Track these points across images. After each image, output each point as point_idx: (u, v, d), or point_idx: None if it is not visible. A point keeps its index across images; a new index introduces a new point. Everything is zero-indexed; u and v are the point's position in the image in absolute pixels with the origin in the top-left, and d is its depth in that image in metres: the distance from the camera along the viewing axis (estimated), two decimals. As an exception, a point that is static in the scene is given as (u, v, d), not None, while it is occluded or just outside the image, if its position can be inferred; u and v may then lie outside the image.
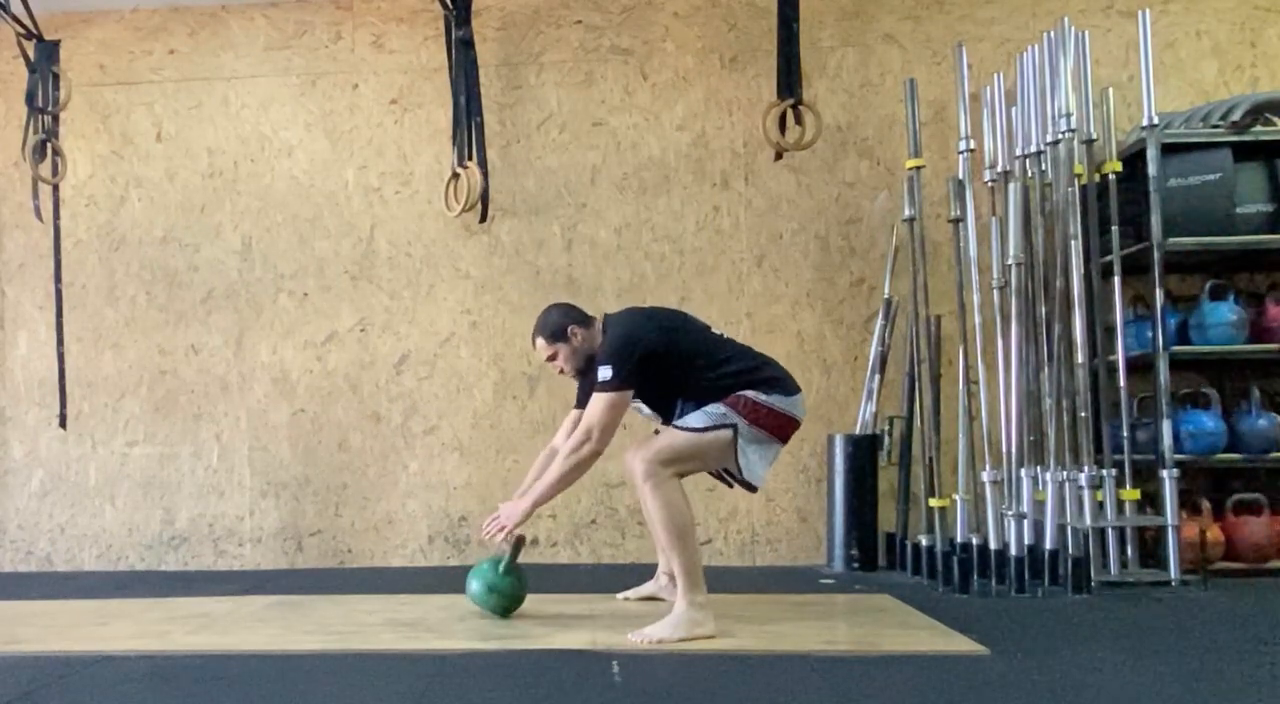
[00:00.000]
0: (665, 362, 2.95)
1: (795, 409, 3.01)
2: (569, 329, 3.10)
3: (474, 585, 3.18)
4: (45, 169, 4.43)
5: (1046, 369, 3.76)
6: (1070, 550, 3.54)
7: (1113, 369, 3.85)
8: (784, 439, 3.02)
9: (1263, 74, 4.42)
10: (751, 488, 3.01)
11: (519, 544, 3.17)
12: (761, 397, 2.95)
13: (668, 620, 2.82)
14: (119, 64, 4.78)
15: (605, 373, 2.89)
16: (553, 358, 3.14)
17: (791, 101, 4.29)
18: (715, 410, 2.93)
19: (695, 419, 2.93)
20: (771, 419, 2.95)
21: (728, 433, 2.91)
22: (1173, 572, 3.62)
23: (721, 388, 2.95)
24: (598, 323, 3.14)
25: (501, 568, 3.16)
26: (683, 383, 2.99)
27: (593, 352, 3.08)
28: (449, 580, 4.06)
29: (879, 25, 4.56)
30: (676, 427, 2.96)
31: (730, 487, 3.10)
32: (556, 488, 2.99)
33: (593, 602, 3.44)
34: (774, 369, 3.06)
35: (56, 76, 4.44)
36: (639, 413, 3.19)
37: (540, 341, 3.15)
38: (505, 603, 3.16)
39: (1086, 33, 3.86)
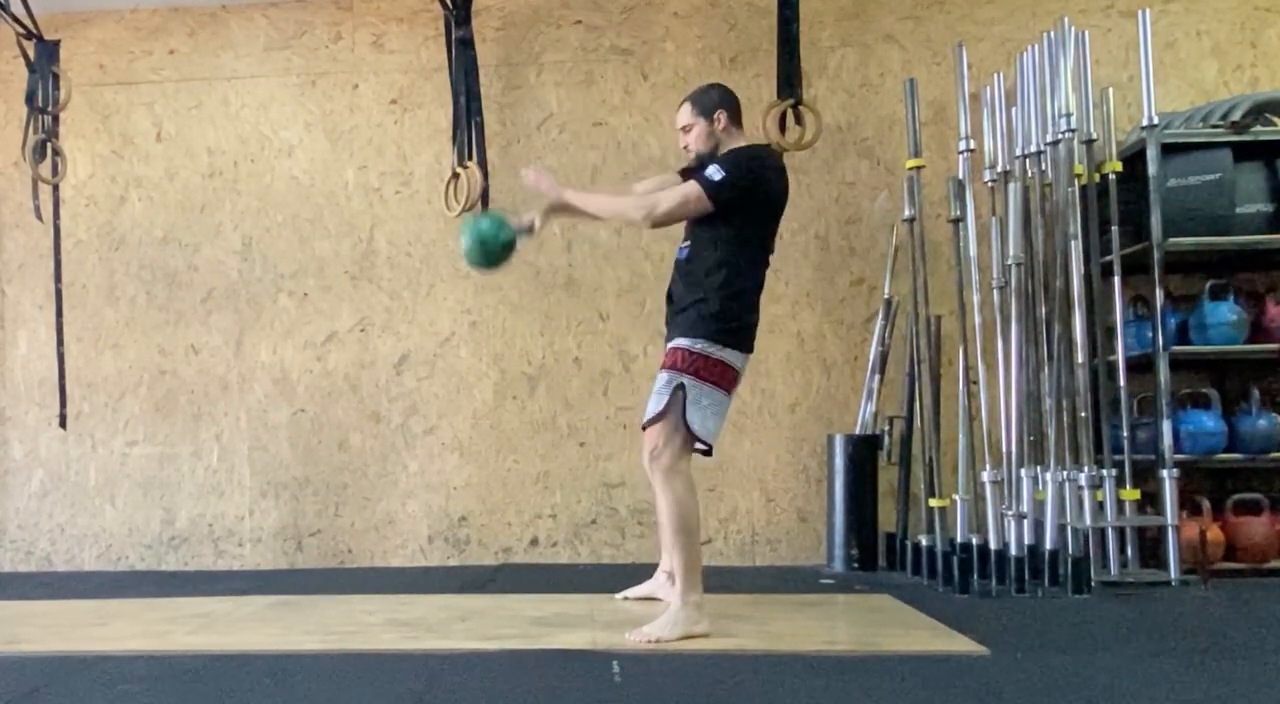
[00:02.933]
0: (747, 215, 2.92)
1: (740, 363, 2.99)
2: (719, 113, 3.04)
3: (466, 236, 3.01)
4: (45, 169, 4.43)
5: (1046, 369, 3.76)
6: (1070, 550, 3.53)
7: (1113, 369, 3.85)
8: (729, 391, 2.97)
9: (1263, 74, 4.42)
10: (708, 448, 2.95)
11: (529, 227, 3.08)
12: (714, 349, 2.92)
13: (664, 619, 2.83)
14: (119, 64, 4.78)
15: (716, 173, 2.86)
16: (687, 130, 3.08)
17: (791, 101, 4.29)
18: (661, 382, 2.93)
19: (653, 404, 2.94)
20: (713, 369, 2.92)
21: (679, 394, 2.90)
22: (1173, 572, 3.62)
23: (711, 313, 2.90)
24: (743, 136, 3.08)
25: (496, 225, 3.00)
26: (711, 261, 2.92)
27: (715, 151, 3.03)
28: (449, 580, 4.07)
29: (879, 25, 4.56)
30: (647, 422, 2.95)
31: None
32: (600, 207, 2.95)
33: (593, 602, 3.44)
34: (753, 321, 3.03)
35: (56, 76, 4.44)
36: None
37: (687, 107, 3.08)
38: (485, 249, 2.98)
39: (1086, 33, 3.86)
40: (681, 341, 2.95)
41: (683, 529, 2.89)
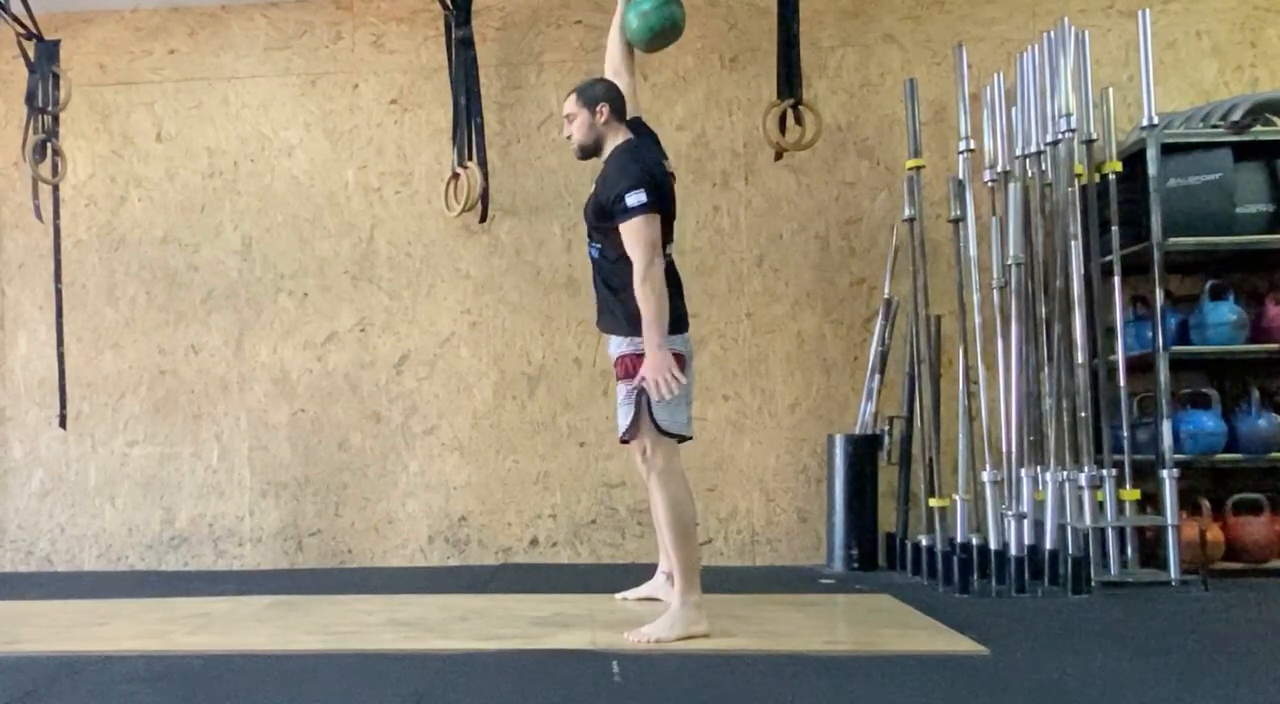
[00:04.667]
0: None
1: (683, 346, 2.99)
2: (601, 107, 3.06)
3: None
4: (45, 169, 4.43)
5: (1046, 369, 3.76)
6: (1070, 550, 3.53)
7: (1113, 369, 3.85)
8: (682, 372, 2.93)
9: (1263, 74, 4.41)
10: (685, 437, 2.98)
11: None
12: (634, 346, 2.95)
13: (663, 620, 2.83)
14: (119, 64, 4.78)
15: (632, 198, 2.87)
16: (570, 119, 3.11)
17: (791, 101, 4.30)
18: (621, 396, 2.97)
19: (622, 417, 2.97)
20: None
21: (643, 399, 2.90)
22: (1173, 572, 3.62)
23: (634, 310, 2.90)
24: (625, 131, 3.09)
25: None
26: (617, 259, 2.96)
27: (597, 144, 3.07)
28: (449, 580, 4.07)
29: (879, 25, 4.56)
30: (624, 438, 2.98)
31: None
32: (658, 317, 2.89)
33: (593, 602, 3.44)
34: (676, 304, 3.00)
35: (56, 76, 4.44)
36: None
37: (572, 98, 3.10)
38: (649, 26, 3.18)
39: (1086, 33, 3.85)
40: (624, 347, 3.00)
41: (680, 529, 2.89)
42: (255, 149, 4.73)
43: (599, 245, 3.07)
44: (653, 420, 2.90)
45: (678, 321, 2.98)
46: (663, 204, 2.94)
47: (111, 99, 4.77)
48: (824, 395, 4.47)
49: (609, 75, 3.25)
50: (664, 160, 3.12)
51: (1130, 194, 3.95)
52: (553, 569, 4.38)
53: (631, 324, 2.95)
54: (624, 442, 3.04)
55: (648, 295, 2.86)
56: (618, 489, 4.49)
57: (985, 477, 3.79)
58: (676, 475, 2.93)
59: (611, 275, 3.03)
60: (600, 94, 3.08)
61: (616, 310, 3.02)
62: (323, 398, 4.63)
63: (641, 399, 2.91)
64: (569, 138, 3.15)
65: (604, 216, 2.97)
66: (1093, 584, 3.51)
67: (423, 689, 2.35)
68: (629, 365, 2.97)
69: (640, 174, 2.91)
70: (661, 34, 3.23)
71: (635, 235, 2.88)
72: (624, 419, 2.97)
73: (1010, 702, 2.20)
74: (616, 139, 3.07)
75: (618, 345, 3.05)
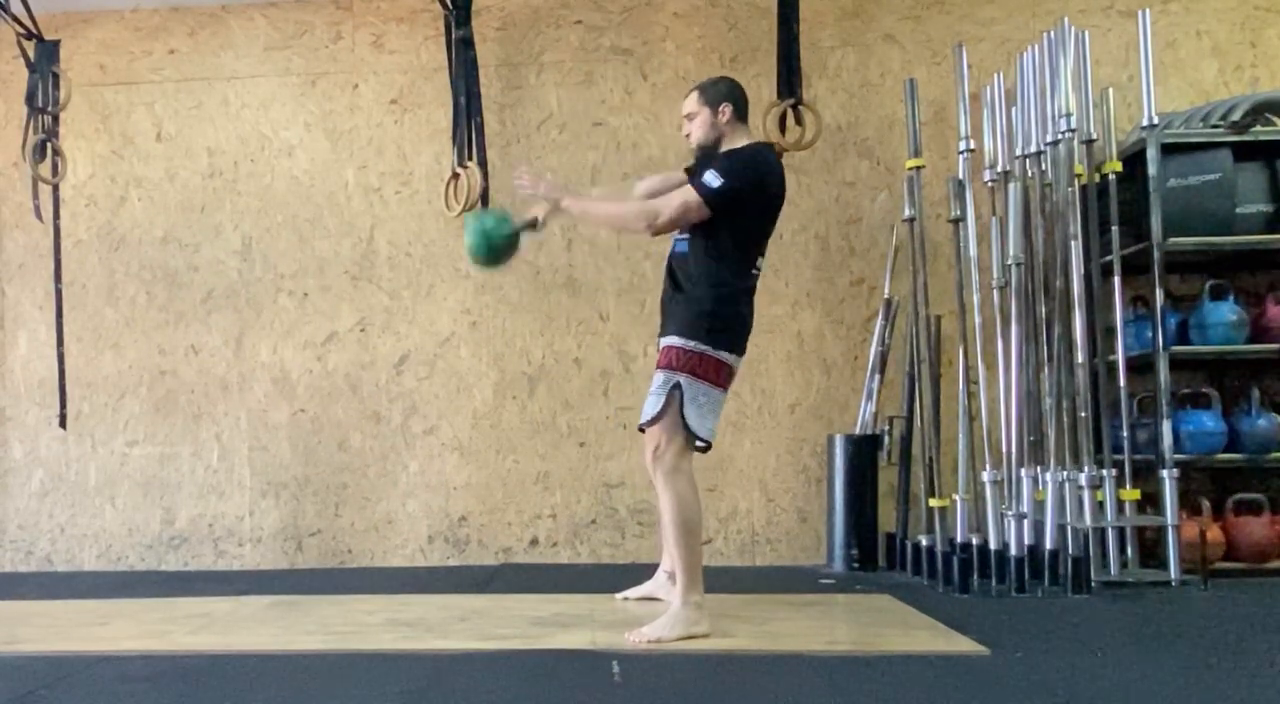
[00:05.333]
0: (744, 218, 2.92)
1: (734, 362, 3.00)
2: (724, 106, 3.01)
3: (472, 232, 3.06)
4: (45, 169, 4.43)
5: (1046, 369, 3.76)
6: (1070, 550, 3.53)
7: (1113, 369, 3.85)
8: (725, 387, 2.99)
9: (1263, 74, 4.42)
10: (707, 446, 2.98)
11: (533, 223, 3.13)
12: (708, 348, 2.92)
13: (664, 619, 2.83)
14: (119, 64, 4.78)
15: (714, 180, 2.85)
16: (691, 117, 3.06)
17: (791, 101, 4.30)
18: (658, 382, 2.93)
19: (650, 404, 2.94)
20: (708, 367, 2.93)
21: (676, 393, 2.90)
22: (1173, 572, 3.62)
23: (705, 311, 2.91)
24: (747, 133, 3.06)
25: (501, 221, 3.06)
26: (706, 260, 2.93)
27: (717, 144, 3.02)
28: (449, 580, 4.07)
29: (879, 25, 4.56)
30: (646, 423, 2.95)
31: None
32: (600, 214, 2.97)
33: (593, 602, 3.44)
34: (747, 320, 3.03)
35: (56, 76, 4.44)
36: None
37: (694, 95, 3.06)
38: (490, 243, 3.04)
39: (1086, 33, 3.86)
40: (675, 340, 2.95)
41: (685, 529, 2.89)
42: (255, 149, 4.72)
43: (687, 239, 3.00)
44: (683, 418, 2.89)
45: (739, 338, 2.99)
46: (756, 200, 2.92)
47: (111, 99, 4.77)
48: (824, 395, 4.47)
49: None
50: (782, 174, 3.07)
51: (1130, 194, 3.95)
52: (553, 569, 4.38)
53: (692, 325, 2.93)
54: (641, 429, 3.02)
55: (623, 210, 2.94)
56: (618, 489, 4.49)
57: (985, 477, 3.79)
58: (685, 475, 2.92)
59: (691, 274, 2.97)
60: (725, 92, 3.04)
61: (681, 311, 2.97)
62: (323, 398, 4.63)
63: (675, 394, 2.89)
64: (687, 136, 3.10)
65: (728, 194, 2.89)
66: (1093, 584, 3.51)
67: (423, 689, 2.35)
68: (674, 356, 2.92)
69: (749, 174, 2.89)
70: (493, 255, 3.10)
71: (676, 198, 2.89)
72: (651, 407, 2.93)
73: (1010, 702, 2.20)
74: (739, 139, 3.03)
75: (669, 340, 2.98)
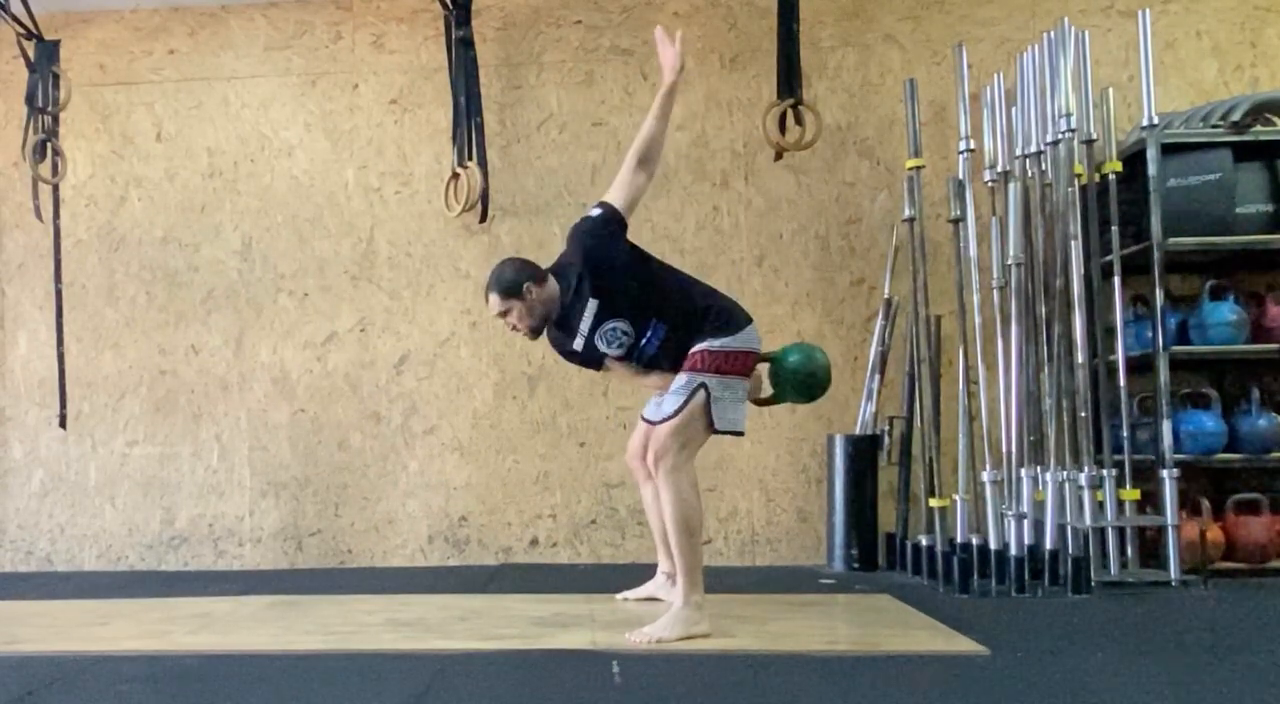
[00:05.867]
0: (627, 271, 2.97)
1: (752, 342, 3.04)
2: (525, 287, 2.98)
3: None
4: (45, 169, 4.43)
5: (1046, 369, 3.76)
6: (1070, 550, 3.53)
7: (1113, 369, 3.85)
8: (748, 374, 3.03)
9: (1263, 74, 4.41)
10: (739, 433, 3.02)
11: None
12: (718, 343, 2.96)
13: (665, 620, 2.83)
14: (119, 64, 4.78)
15: (593, 213, 2.98)
16: (504, 314, 3.02)
17: (791, 101, 4.29)
18: (681, 383, 2.94)
19: (670, 402, 2.94)
20: (735, 362, 2.97)
21: (701, 394, 2.91)
22: (1173, 572, 3.62)
23: (701, 326, 2.97)
24: (551, 279, 3.05)
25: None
26: (659, 299, 3.00)
27: (549, 307, 3.02)
28: (449, 580, 4.07)
29: (879, 25, 4.56)
30: (661, 420, 2.94)
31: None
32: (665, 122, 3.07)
33: (593, 602, 3.44)
34: (725, 303, 3.07)
35: (56, 76, 4.44)
36: (621, 367, 3.18)
37: (493, 297, 3.02)
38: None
39: (1086, 33, 3.85)
40: (699, 345, 2.97)
41: (686, 529, 2.89)
42: (255, 149, 4.72)
43: (649, 338, 3.02)
44: (709, 419, 2.91)
45: (740, 313, 3.08)
46: (626, 253, 3.01)
47: (111, 99, 4.77)
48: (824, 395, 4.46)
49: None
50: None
51: (1130, 194, 3.95)
52: (553, 569, 4.38)
53: (709, 330, 2.97)
54: (654, 423, 3.04)
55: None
56: (618, 489, 4.49)
57: (985, 477, 3.79)
58: (687, 476, 2.92)
59: (664, 328, 3.01)
60: (512, 278, 2.99)
61: (697, 325, 2.99)
62: (323, 398, 4.63)
63: (700, 394, 2.90)
64: (514, 329, 3.06)
65: (599, 273, 2.93)
66: (1093, 584, 3.51)
67: (423, 689, 2.35)
68: (701, 358, 2.94)
69: (599, 239, 2.96)
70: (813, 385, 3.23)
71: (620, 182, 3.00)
72: (670, 405, 2.93)
73: (1010, 702, 2.20)
74: (553, 288, 3.03)
75: (697, 346, 2.98)
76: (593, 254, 2.94)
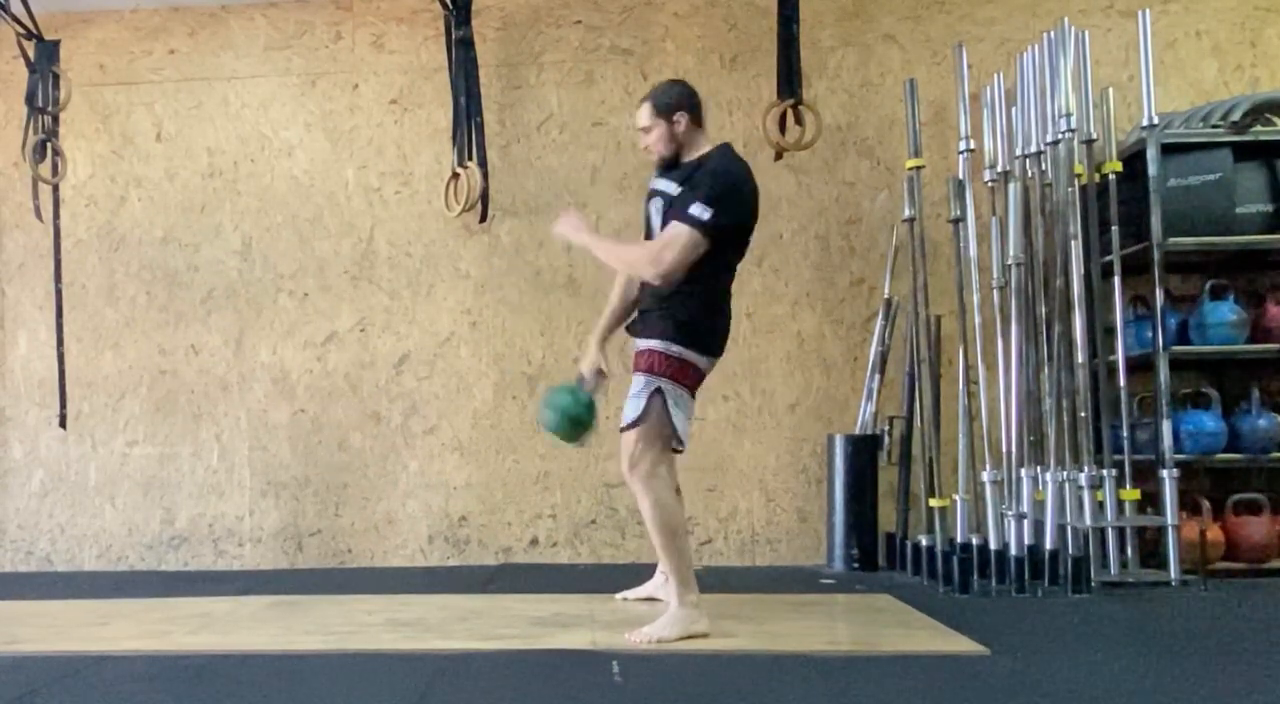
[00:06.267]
0: (730, 241, 2.92)
1: (706, 367, 2.99)
2: (679, 115, 2.95)
3: (549, 413, 3.05)
4: (45, 169, 4.43)
5: (1046, 369, 3.76)
6: (1070, 550, 3.53)
7: (1113, 369, 3.85)
8: (693, 390, 2.97)
9: (1263, 74, 4.41)
10: (681, 447, 2.96)
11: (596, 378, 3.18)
12: (689, 353, 2.92)
13: (663, 620, 2.83)
14: (119, 64, 4.78)
15: (703, 211, 2.79)
16: (647, 131, 2.99)
17: (791, 101, 4.29)
18: (639, 385, 2.91)
19: (630, 407, 2.92)
20: (691, 375, 2.94)
21: (657, 398, 2.88)
22: (1173, 572, 3.62)
23: (683, 319, 2.90)
24: (707, 137, 3.02)
25: (577, 397, 3.07)
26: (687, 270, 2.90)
27: (678, 154, 2.98)
28: (449, 580, 4.07)
29: (879, 25, 4.56)
30: (625, 427, 2.93)
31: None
32: (614, 257, 2.98)
33: (593, 602, 3.44)
34: (717, 327, 3.02)
35: (56, 76, 4.44)
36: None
37: (646, 107, 2.99)
38: (575, 428, 3.06)
39: (1086, 33, 3.85)
40: (655, 343, 2.93)
41: (669, 532, 2.88)
42: (255, 149, 4.72)
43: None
44: (670, 421, 2.88)
45: (717, 343, 2.99)
46: (743, 224, 2.93)
47: (111, 99, 4.77)
48: (824, 395, 4.47)
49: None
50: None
51: (1130, 194, 3.95)
52: (553, 569, 4.38)
53: (672, 330, 2.91)
54: (623, 430, 3.01)
55: (629, 254, 2.94)
56: (618, 489, 4.49)
57: (985, 477, 3.79)
58: (662, 480, 2.90)
59: (671, 285, 2.94)
60: (675, 99, 2.98)
61: (661, 315, 2.95)
62: (323, 398, 4.63)
63: (658, 398, 2.88)
64: (645, 149, 3.06)
65: (709, 194, 2.86)
66: (1093, 584, 3.51)
67: (423, 689, 2.35)
68: (656, 360, 2.91)
69: (736, 196, 2.87)
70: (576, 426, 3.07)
71: (676, 241, 2.81)
72: (631, 410, 2.92)
73: (1010, 702, 2.20)
74: (702, 145, 3.00)
75: (647, 342, 2.96)
76: (718, 192, 2.85)
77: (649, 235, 3.07)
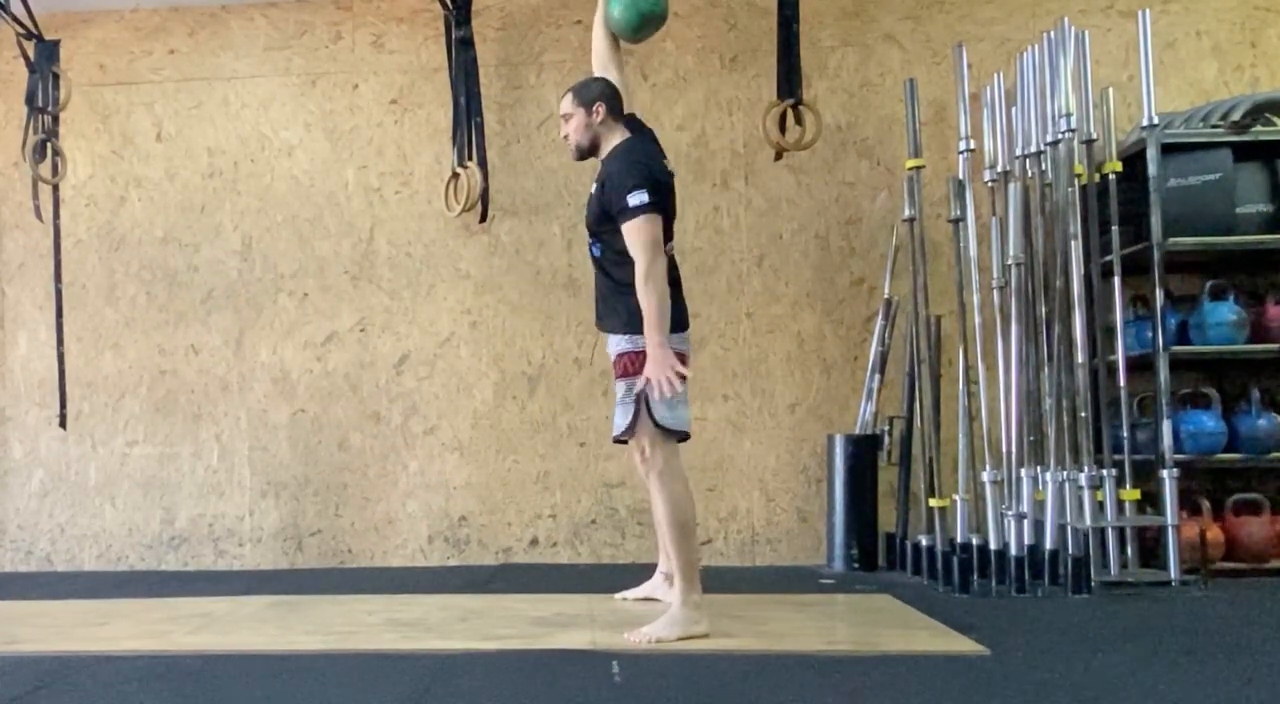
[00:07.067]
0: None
1: (683, 344, 2.99)
2: (598, 106, 3.03)
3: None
4: (45, 169, 4.43)
5: (1046, 369, 3.76)
6: (1070, 550, 3.53)
7: (1113, 369, 3.85)
8: (681, 376, 2.94)
9: (1263, 74, 4.41)
10: (685, 436, 2.98)
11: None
12: (641, 342, 2.91)
13: (664, 620, 2.83)
14: (119, 64, 4.78)
15: (635, 198, 2.85)
16: (567, 119, 3.08)
17: (791, 101, 4.29)
18: (621, 391, 2.95)
19: (621, 415, 2.95)
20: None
21: (643, 399, 2.89)
22: (1173, 572, 3.62)
23: (634, 308, 2.89)
24: (623, 130, 3.07)
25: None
26: (619, 259, 2.94)
27: (596, 143, 3.05)
28: (449, 580, 4.07)
29: (879, 25, 4.56)
30: (624, 435, 2.96)
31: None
32: (660, 316, 2.89)
33: (593, 602, 3.44)
34: (678, 304, 3.00)
35: (56, 76, 4.44)
36: None
37: (568, 98, 3.09)
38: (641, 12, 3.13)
39: (1086, 33, 3.85)
40: (624, 344, 2.98)
41: (681, 530, 2.89)
42: (255, 149, 4.72)
43: (600, 245, 3.06)
44: (652, 419, 2.90)
45: (678, 320, 2.98)
46: (664, 203, 2.94)
47: (111, 99, 4.77)
48: (824, 395, 4.47)
49: (598, 72, 3.24)
50: (663, 158, 3.11)
51: (1130, 194, 3.95)
52: (553, 569, 4.38)
53: (632, 322, 2.94)
54: (620, 441, 3.04)
55: (650, 294, 2.85)
56: (618, 489, 4.49)
57: (985, 477, 3.79)
58: (677, 475, 2.93)
59: (613, 274, 3.02)
60: (596, 93, 3.06)
61: (618, 307, 3.00)
62: (323, 398, 4.63)
63: (641, 398, 2.90)
64: (565, 138, 3.13)
65: (605, 218, 2.97)
66: (1093, 584, 3.51)
67: (423, 689, 2.35)
68: (628, 364, 2.96)
69: (642, 174, 2.91)
70: (650, 21, 3.19)
71: (637, 235, 2.87)
72: (621, 418, 2.96)
73: (1010, 702, 2.20)
74: (614, 138, 3.06)
75: (617, 343, 3.03)
76: (626, 177, 2.90)
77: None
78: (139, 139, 4.76)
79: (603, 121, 3.05)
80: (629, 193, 2.87)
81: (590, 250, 3.12)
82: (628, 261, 2.91)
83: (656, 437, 2.91)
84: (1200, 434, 3.92)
